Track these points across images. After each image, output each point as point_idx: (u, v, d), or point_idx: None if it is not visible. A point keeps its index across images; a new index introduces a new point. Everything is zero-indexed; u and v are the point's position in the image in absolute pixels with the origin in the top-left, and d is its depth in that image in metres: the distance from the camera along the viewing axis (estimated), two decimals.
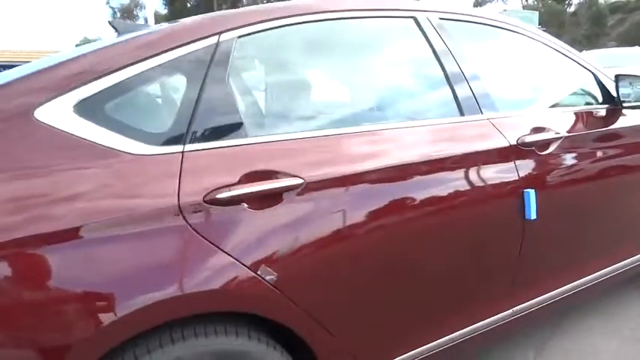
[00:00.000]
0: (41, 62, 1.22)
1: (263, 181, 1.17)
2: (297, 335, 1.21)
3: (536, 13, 30.66)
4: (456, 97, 1.59)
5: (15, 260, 0.94)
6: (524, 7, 46.35)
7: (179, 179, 1.09)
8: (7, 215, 0.94)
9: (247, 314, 1.16)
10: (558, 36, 2.41)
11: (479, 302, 1.60)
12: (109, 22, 1.77)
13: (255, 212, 1.16)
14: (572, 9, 41.93)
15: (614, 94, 1.97)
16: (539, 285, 1.75)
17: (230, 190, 1.13)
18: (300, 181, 1.20)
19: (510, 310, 1.66)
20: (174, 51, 1.21)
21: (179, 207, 1.07)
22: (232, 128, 1.22)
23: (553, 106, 1.95)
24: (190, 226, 1.08)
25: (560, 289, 1.79)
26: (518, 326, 1.73)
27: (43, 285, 0.96)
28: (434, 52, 1.61)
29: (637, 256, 2.07)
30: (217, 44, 1.26)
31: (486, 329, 1.60)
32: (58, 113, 1.06)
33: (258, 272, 1.14)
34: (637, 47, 10.12)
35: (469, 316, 1.57)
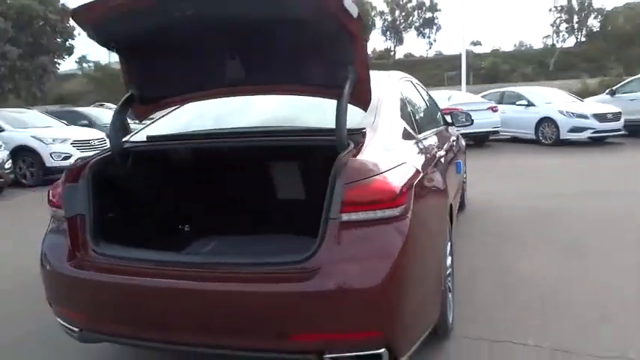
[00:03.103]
0: None
1: (440, 150, 2.85)
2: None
3: None
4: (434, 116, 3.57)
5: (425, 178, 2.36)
6: None
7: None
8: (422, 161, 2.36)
9: None
10: None
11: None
12: None
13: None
14: None
15: (450, 120, 4.32)
16: None
17: (438, 153, 2.77)
18: (443, 152, 2.94)
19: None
20: (394, 89, 2.75)
21: (437, 159, 2.66)
22: (422, 127, 2.86)
23: (444, 125, 4.15)
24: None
25: None
26: None
27: (424, 188, 2.40)
28: (420, 95, 3.55)
29: None
30: (402, 97, 2.85)
31: None
32: (398, 119, 2.49)
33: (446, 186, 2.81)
34: None
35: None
